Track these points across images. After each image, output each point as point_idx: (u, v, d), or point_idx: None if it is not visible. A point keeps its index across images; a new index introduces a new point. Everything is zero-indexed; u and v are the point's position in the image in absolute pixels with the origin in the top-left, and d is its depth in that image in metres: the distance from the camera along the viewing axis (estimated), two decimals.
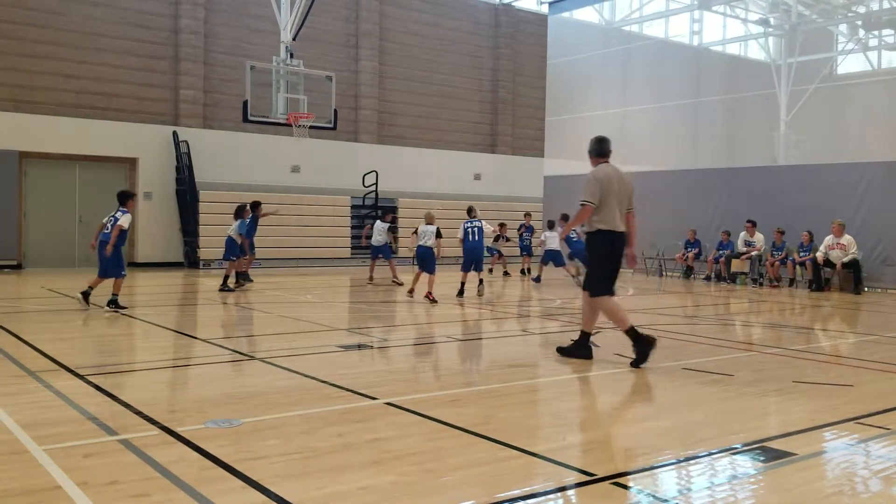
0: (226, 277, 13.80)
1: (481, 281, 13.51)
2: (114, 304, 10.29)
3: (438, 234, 12.70)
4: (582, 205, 7.00)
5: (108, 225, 10.30)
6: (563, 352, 7.32)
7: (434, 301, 11.96)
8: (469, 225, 13.11)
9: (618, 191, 7.03)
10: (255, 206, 14.67)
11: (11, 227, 17.95)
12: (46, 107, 18.76)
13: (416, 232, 13.04)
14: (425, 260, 12.69)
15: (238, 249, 14.02)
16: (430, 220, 12.93)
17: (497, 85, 26.71)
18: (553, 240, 15.93)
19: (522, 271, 19.15)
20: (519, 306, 12.87)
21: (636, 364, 6.82)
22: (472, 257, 13.07)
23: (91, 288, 10.35)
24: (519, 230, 19.84)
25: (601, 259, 7.14)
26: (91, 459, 3.99)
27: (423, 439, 4.48)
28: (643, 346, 6.86)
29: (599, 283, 7.13)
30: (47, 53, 18.92)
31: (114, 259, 10.23)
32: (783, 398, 5.82)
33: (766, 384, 6.23)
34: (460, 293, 12.96)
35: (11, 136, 17.84)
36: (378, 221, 16.29)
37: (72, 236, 18.96)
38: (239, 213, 14.19)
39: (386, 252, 15.87)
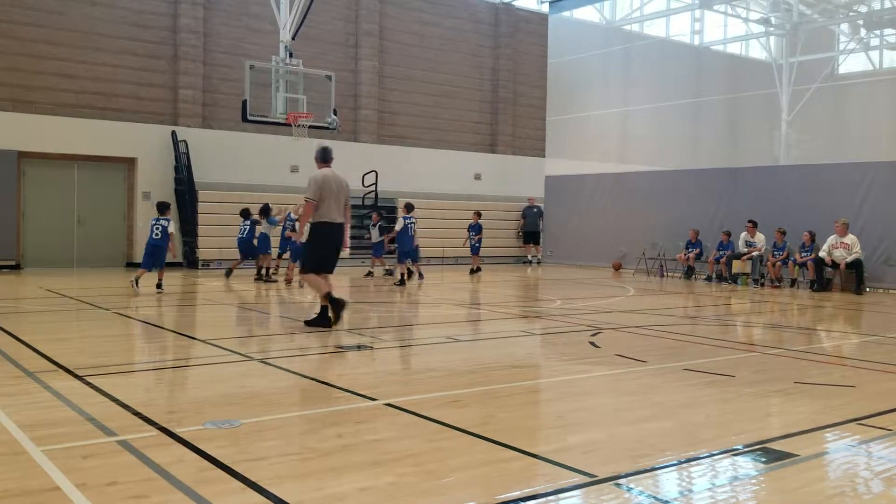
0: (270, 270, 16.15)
1: (420, 275, 16.24)
2: (160, 287, 13.09)
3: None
4: (306, 201, 8.74)
5: (157, 232, 12.98)
6: (308, 323, 8.84)
7: (299, 285, 13.78)
8: (408, 220, 15.53)
9: (335, 190, 8.80)
10: (245, 213, 16.25)
11: (10, 227, 17.89)
12: (45, 106, 18.73)
13: (293, 229, 14.57)
14: (297, 253, 14.32)
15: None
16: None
17: (497, 85, 26.67)
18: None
19: (472, 270, 18.83)
20: (518, 306, 12.85)
21: (332, 319, 8.63)
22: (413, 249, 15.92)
23: (160, 280, 13.12)
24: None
25: (317, 244, 8.81)
26: (90, 460, 3.98)
27: (423, 440, 4.46)
28: (337, 307, 8.61)
29: (311, 262, 8.84)
30: (46, 53, 18.89)
31: (165, 255, 13.19)
32: (785, 399, 5.80)
33: (767, 385, 6.21)
34: (401, 283, 15.04)
35: (10, 135, 17.79)
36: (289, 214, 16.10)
37: (70, 237, 18.93)
38: (265, 211, 16.23)
39: (292, 246, 15.46)
